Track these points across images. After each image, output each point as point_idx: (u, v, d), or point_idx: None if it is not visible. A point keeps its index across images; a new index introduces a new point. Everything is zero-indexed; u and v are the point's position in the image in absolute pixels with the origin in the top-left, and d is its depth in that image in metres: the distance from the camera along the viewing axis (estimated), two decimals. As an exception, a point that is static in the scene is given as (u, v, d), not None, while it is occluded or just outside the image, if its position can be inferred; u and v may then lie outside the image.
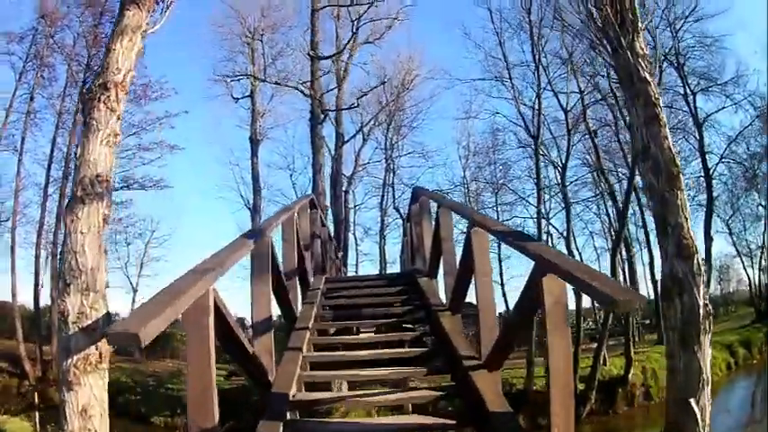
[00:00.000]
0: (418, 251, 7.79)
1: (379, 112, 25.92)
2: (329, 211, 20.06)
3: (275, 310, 5.03)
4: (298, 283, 6.35)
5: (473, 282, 4.43)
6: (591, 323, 26.60)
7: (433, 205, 6.87)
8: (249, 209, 24.53)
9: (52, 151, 21.14)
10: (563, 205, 21.78)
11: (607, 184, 21.96)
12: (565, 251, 18.50)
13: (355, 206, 29.35)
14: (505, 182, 25.54)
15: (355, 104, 22.38)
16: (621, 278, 22.58)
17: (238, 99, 23.56)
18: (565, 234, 22.05)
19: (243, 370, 4.45)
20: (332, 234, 14.05)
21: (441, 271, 6.15)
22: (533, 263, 2.98)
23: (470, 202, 24.92)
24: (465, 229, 4.94)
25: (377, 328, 6.35)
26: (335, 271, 12.52)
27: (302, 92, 20.42)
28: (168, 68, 39.57)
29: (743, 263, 30.02)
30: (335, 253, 13.57)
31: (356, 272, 28.79)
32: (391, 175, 28.86)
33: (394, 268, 28.07)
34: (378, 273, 27.07)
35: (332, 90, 22.05)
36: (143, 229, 27.10)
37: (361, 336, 6.32)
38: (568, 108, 20.50)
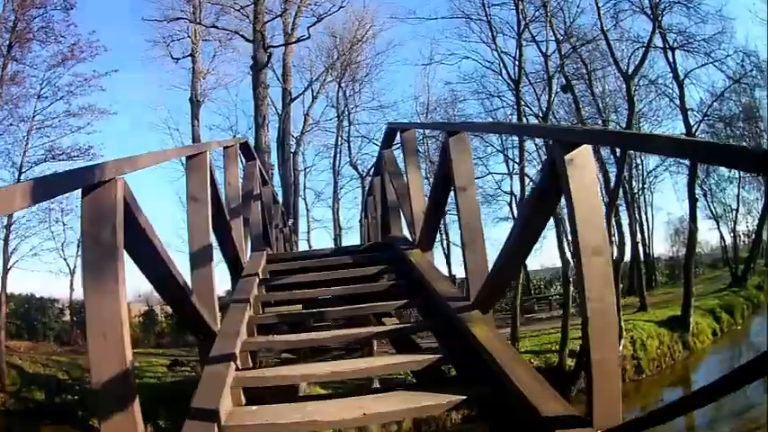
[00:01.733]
0: (396, 212, 6.14)
1: (330, 65, 25.04)
2: (275, 173, 19.20)
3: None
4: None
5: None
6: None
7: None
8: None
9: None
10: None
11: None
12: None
13: (305, 168, 28.52)
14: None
15: (306, 36, 21.22)
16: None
17: (178, 59, 22.48)
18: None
19: (176, 310, 3.69)
20: (277, 197, 12.68)
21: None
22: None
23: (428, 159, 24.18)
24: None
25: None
26: (284, 244, 10.72)
27: (243, 36, 19.42)
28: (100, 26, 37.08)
29: (718, 225, 30.68)
30: (284, 220, 11.82)
31: (308, 243, 28.14)
32: (345, 133, 28.04)
33: (350, 236, 27.65)
34: (338, 246, 26.43)
35: (277, 44, 21.01)
36: (75, 204, 25.16)
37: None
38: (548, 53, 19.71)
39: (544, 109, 19.71)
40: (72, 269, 23.71)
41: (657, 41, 20.11)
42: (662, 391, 15.90)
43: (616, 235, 22.80)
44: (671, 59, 21.29)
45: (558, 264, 21.12)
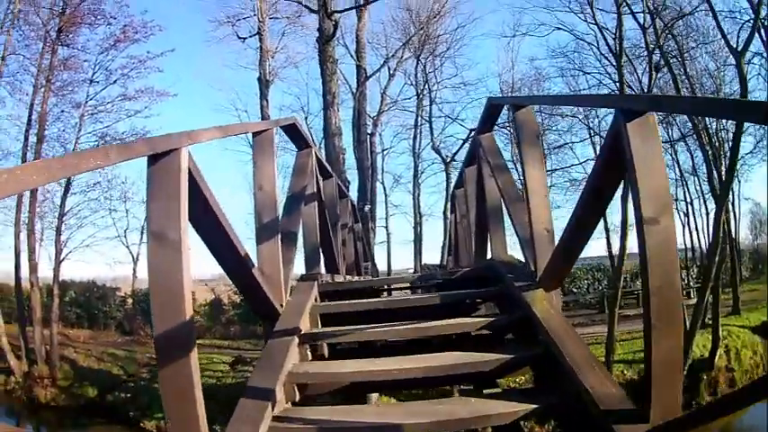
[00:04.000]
0: (498, 219, 5.20)
1: (408, 40, 24.98)
2: (350, 155, 19.18)
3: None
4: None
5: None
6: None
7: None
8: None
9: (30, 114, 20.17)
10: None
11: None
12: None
13: (383, 151, 28.78)
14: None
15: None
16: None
17: (245, 38, 22.95)
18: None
19: (237, 284, 3.80)
20: (347, 189, 11.81)
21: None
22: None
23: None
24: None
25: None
26: (354, 247, 9.46)
27: (307, 7, 19.49)
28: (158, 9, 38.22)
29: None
30: (354, 214, 10.65)
31: (386, 231, 28.50)
32: (425, 113, 27.81)
33: (431, 225, 27.61)
34: (424, 270, 25.34)
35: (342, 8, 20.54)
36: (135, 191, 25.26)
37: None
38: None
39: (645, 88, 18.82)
40: (135, 257, 24.77)
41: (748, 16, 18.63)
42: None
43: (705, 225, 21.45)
44: (764, 36, 19.65)
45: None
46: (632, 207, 2.42)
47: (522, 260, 4.34)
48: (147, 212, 2.30)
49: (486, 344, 3.76)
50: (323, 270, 5.34)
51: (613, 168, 2.63)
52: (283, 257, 4.04)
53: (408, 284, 5.05)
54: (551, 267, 3.55)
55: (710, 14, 17.90)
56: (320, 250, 5.42)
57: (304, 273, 4.90)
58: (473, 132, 24.67)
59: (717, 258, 16.63)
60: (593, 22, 19.81)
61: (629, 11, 18.56)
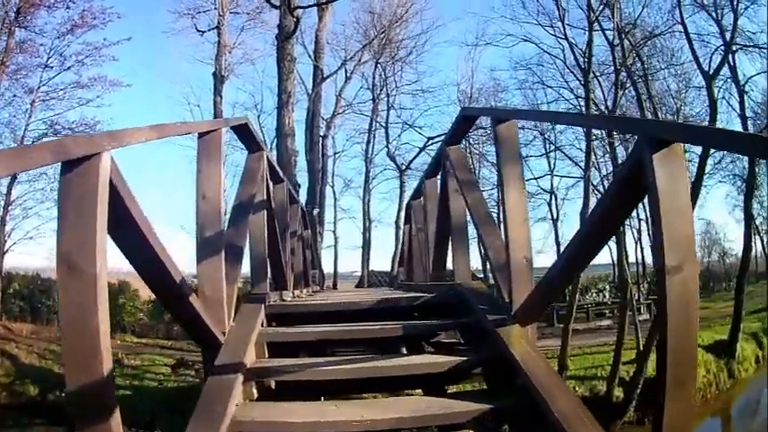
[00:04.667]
0: (461, 237, 5.06)
1: (368, 43, 24.80)
2: (301, 157, 18.84)
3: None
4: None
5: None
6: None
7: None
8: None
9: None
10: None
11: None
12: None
13: (335, 154, 28.46)
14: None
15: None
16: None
17: (203, 32, 22.66)
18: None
19: (172, 312, 3.46)
20: (297, 194, 11.27)
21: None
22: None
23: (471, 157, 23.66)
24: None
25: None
26: (303, 256, 9.06)
27: (269, 2, 18.66)
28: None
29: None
30: (304, 220, 10.28)
31: (335, 235, 28.21)
32: (380, 118, 27.70)
33: (380, 231, 27.46)
34: (372, 277, 25.62)
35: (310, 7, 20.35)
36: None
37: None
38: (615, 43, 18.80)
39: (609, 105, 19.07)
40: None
41: (717, 41, 19.45)
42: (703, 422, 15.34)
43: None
44: (731, 62, 20.28)
45: (601, 263, 20.42)
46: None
47: (487, 284, 4.11)
48: (58, 233, 1.90)
49: (453, 379, 3.57)
50: (269, 287, 4.93)
51: (627, 204, 2.33)
52: (227, 276, 3.58)
53: (368, 310, 4.48)
54: (531, 303, 3.23)
55: (684, 36, 18.38)
56: (268, 264, 5.07)
57: (249, 291, 4.57)
58: (429, 141, 25.72)
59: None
60: (562, 36, 20.07)
61: (599, 28, 18.78)
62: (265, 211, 4.90)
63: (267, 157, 5.05)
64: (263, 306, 4.00)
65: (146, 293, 23.25)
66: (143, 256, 2.45)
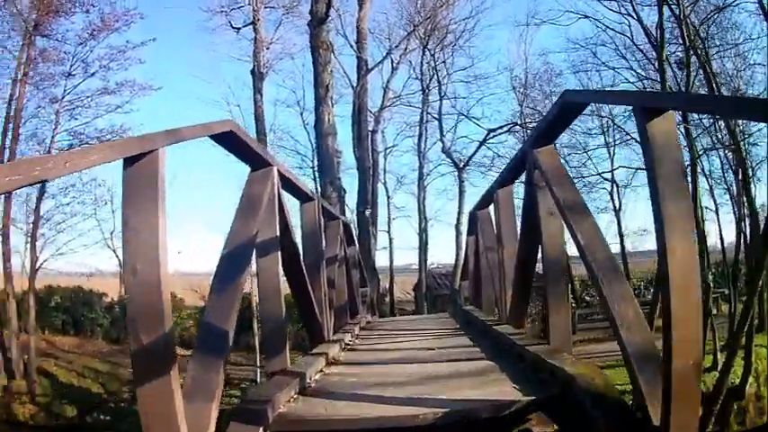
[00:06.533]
0: (555, 286, 4.03)
1: (413, 30, 24.58)
2: (349, 154, 18.79)
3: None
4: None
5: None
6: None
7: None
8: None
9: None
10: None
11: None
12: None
13: (386, 149, 28.22)
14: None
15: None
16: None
17: (239, 29, 22.71)
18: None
19: None
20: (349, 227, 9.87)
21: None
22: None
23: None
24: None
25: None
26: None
27: None
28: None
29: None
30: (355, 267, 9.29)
31: (389, 236, 27.84)
32: (431, 108, 26.89)
33: (437, 231, 26.66)
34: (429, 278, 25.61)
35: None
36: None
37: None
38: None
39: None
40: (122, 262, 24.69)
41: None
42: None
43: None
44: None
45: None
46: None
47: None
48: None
49: None
50: (288, 362, 3.87)
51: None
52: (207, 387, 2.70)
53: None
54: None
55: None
56: (286, 332, 4.19)
57: (245, 399, 3.57)
58: (491, 134, 25.06)
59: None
60: (628, 13, 19.16)
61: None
62: (279, 252, 3.95)
63: (278, 172, 4.01)
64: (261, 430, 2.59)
65: (191, 300, 23.77)
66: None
